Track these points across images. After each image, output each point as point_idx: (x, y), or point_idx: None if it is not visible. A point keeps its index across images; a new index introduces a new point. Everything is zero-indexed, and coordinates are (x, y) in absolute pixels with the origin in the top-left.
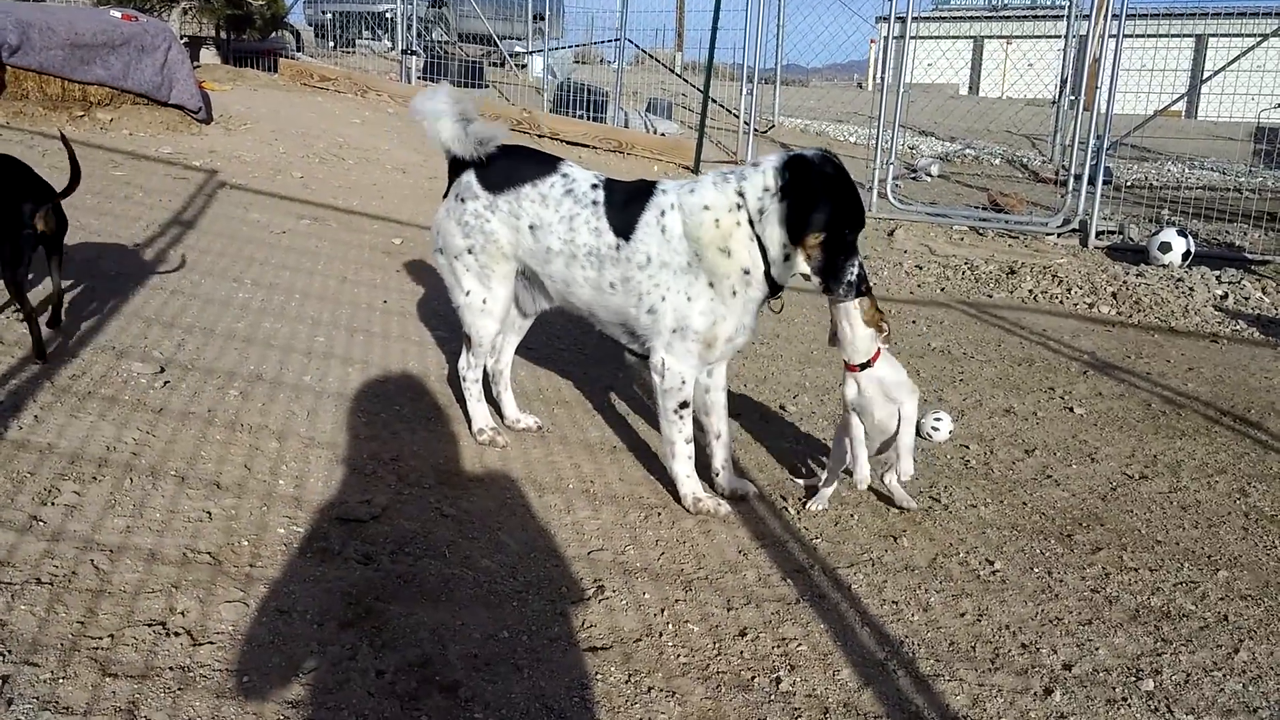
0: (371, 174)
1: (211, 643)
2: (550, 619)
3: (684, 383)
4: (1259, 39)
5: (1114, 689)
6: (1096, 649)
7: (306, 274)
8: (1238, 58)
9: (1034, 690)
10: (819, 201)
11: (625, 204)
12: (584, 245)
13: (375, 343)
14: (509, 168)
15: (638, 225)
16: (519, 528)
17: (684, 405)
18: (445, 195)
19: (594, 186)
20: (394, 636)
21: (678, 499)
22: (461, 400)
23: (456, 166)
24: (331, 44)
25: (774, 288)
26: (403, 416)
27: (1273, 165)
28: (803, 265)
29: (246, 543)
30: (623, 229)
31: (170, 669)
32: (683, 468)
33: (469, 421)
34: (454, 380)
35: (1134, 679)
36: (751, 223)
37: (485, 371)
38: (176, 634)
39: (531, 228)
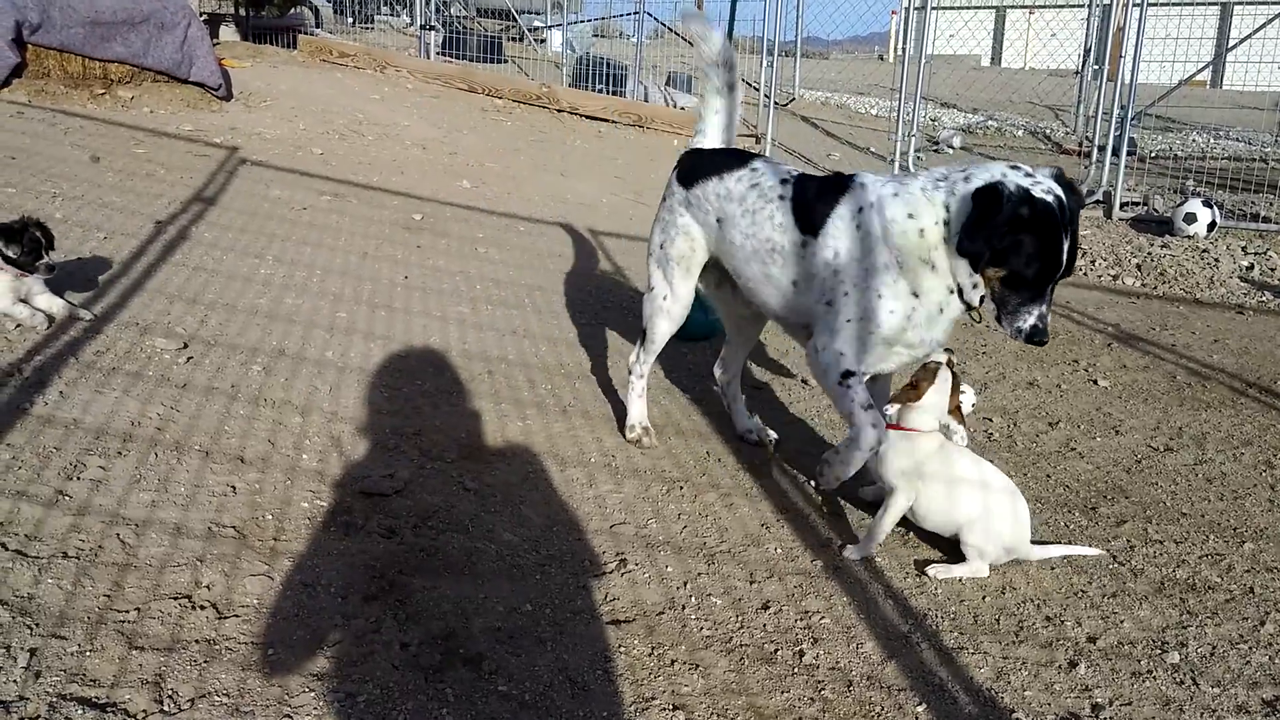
0: (391, 150)
1: (237, 616)
2: (573, 592)
3: (842, 354)
4: None
5: (1139, 661)
6: (1121, 621)
7: (328, 250)
8: (1263, 26)
9: (1059, 663)
10: (997, 237)
11: (816, 199)
12: (767, 241)
13: (397, 318)
14: (704, 162)
15: (828, 221)
16: (541, 501)
17: (848, 373)
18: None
19: (783, 181)
20: (418, 610)
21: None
22: (625, 389)
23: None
24: (350, 20)
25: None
26: (425, 391)
27: None
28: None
29: (271, 517)
30: (810, 225)
31: (196, 642)
32: (867, 436)
33: (623, 417)
34: (474, 355)
35: (1159, 651)
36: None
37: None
38: (202, 607)
39: (719, 221)
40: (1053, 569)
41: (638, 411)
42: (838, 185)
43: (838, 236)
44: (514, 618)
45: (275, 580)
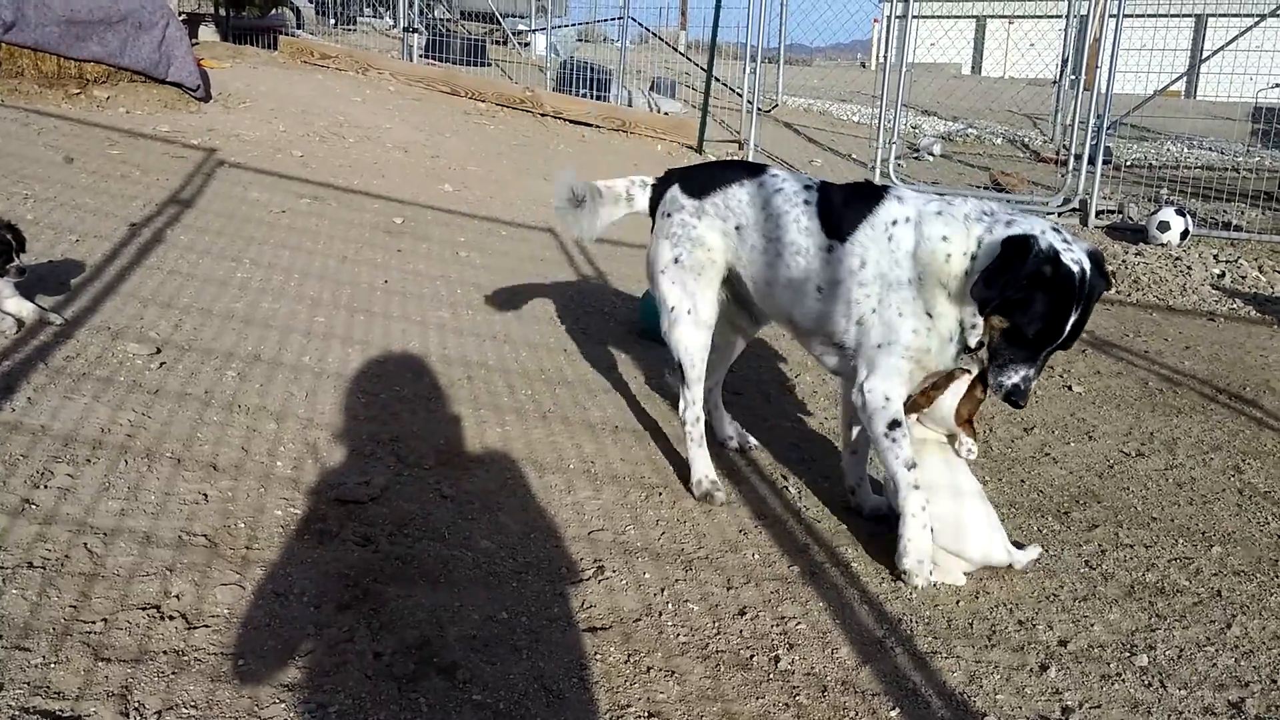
0: (372, 153)
1: (206, 626)
2: (550, 599)
3: (888, 399)
4: (1257, 19)
5: (1109, 664)
6: (1092, 625)
7: (306, 253)
8: (1236, 37)
9: (1030, 666)
10: (1013, 288)
11: (844, 204)
12: (790, 244)
13: (376, 323)
14: (714, 173)
15: (859, 228)
16: (519, 508)
17: (895, 424)
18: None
19: (807, 188)
20: (392, 618)
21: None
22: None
23: (657, 193)
24: (332, 21)
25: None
26: (403, 397)
27: (1270, 145)
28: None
29: (243, 525)
30: (838, 229)
31: (164, 653)
32: (912, 503)
33: (689, 469)
34: (454, 360)
35: (1128, 654)
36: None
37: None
38: (171, 617)
39: (737, 228)
40: (1025, 573)
41: (703, 464)
42: (870, 193)
43: (866, 245)
44: (489, 626)
45: (247, 589)
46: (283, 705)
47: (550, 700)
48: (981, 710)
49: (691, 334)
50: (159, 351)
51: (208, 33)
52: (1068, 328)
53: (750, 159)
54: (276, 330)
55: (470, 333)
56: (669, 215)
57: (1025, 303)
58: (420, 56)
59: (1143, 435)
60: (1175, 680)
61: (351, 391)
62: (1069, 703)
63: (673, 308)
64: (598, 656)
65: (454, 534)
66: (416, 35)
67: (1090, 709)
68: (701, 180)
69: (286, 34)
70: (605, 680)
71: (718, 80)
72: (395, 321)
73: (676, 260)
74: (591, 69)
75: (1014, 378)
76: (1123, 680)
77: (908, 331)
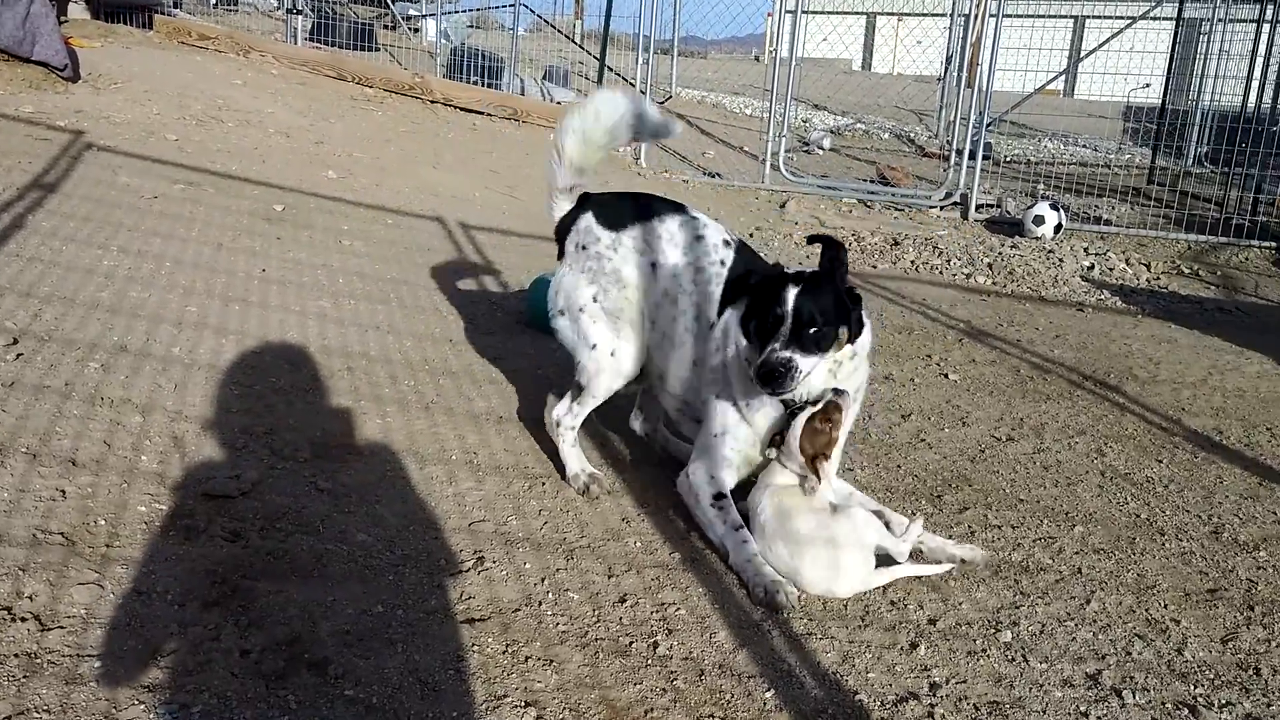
0: (253, 137)
1: (62, 627)
2: (427, 592)
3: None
4: (1130, 20)
5: (975, 641)
6: (960, 604)
7: (179, 241)
8: (1110, 38)
9: (900, 645)
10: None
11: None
12: (685, 310)
13: (252, 312)
14: (634, 205)
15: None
16: (398, 500)
17: (719, 496)
18: (560, 258)
19: (726, 244)
20: (261, 615)
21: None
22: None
23: (564, 227)
24: (212, 1)
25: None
26: (278, 388)
27: (1140, 142)
28: None
29: (104, 522)
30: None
31: (15, 656)
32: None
33: (562, 469)
34: (334, 351)
35: (993, 631)
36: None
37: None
38: (23, 619)
39: (654, 265)
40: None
41: (576, 460)
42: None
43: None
44: (364, 620)
45: (106, 589)
46: (143, 706)
47: (425, 693)
48: (853, 689)
49: (608, 377)
50: (15, 342)
51: (78, 10)
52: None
53: (642, 150)
54: (145, 320)
55: (352, 323)
56: (584, 247)
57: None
58: (305, 40)
59: (1013, 421)
60: (1037, 654)
61: (224, 383)
62: (936, 679)
63: (595, 345)
64: (475, 648)
65: (329, 527)
66: (301, 18)
67: (956, 684)
68: (620, 212)
69: (163, 13)
70: (482, 671)
71: (611, 70)
72: (273, 311)
73: (595, 298)
74: (483, 56)
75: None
76: (988, 656)
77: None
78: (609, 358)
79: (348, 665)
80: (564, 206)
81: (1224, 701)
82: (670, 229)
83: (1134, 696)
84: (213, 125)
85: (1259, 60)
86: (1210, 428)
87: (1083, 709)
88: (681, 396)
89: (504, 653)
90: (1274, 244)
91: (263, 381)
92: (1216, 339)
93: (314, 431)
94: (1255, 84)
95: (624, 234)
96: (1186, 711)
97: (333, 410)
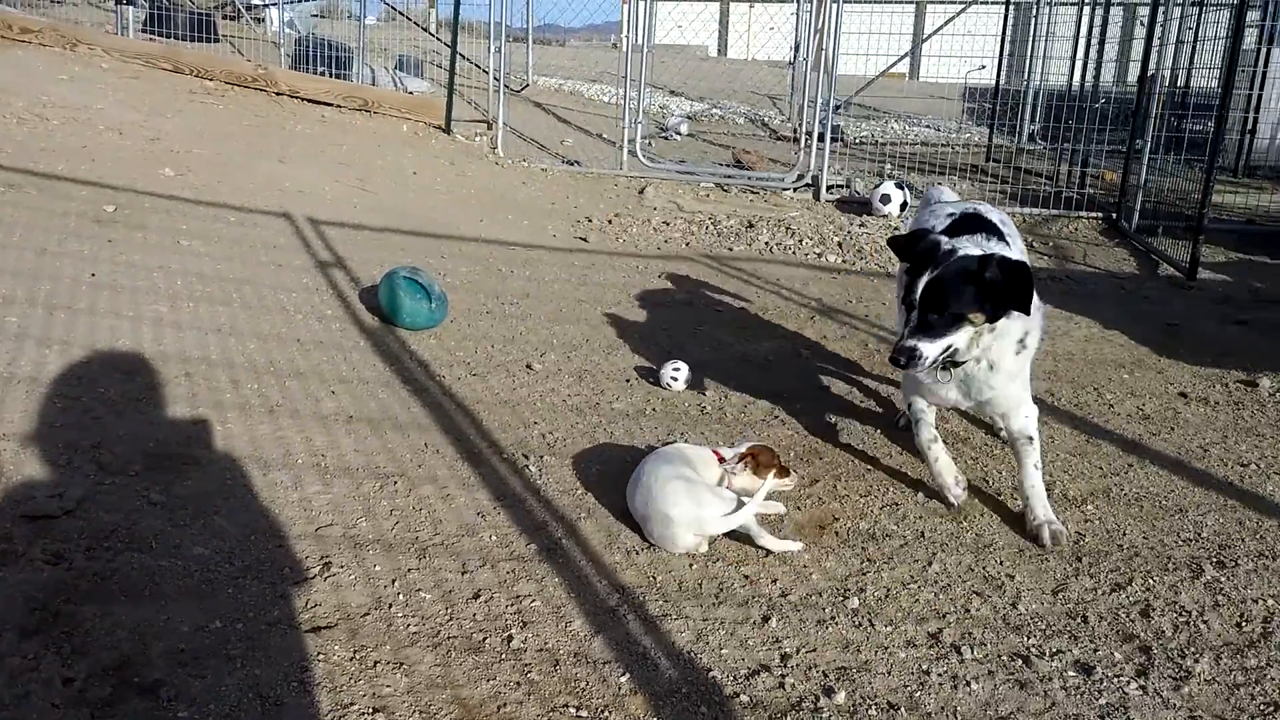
0: (81, 135)
1: None
2: (269, 603)
3: None
4: (965, 4)
5: (824, 610)
6: (811, 575)
7: None
8: (947, 22)
9: (753, 619)
10: None
11: None
12: None
13: (79, 320)
14: None
15: None
16: (239, 510)
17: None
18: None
19: None
20: (86, 640)
21: None
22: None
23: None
24: None
25: None
26: (108, 400)
27: (978, 122)
28: None
29: None
30: None
31: None
32: None
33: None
34: (171, 357)
35: (842, 598)
36: None
37: None
38: None
39: None
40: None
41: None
42: None
43: None
44: (200, 637)
45: None
46: None
47: (267, 708)
48: (707, 666)
49: None
50: None
51: None
52: None
53: (499, 139)
54: None
55: (190, 326)
56: None
57: None
58: (139, 32)
59: (864, 393)
60: (882, 618)
61: (47, 397)
62: (787, 649)
63: None
64: (320, 657)
65: (162, 543)
66: (133, 8)
67: (806, 653)
68: None
69: None
70: (328, 680)
71: (464, 58)
72: (102, 318)
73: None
74: (331, 46)
75: None
76: (836, 623)
77: None
78: None
79: (181, 686)
80: None
81: (1055, 650)
82: None
83: (972, 651)
84: (36, 124)
85: (1081, 42)
86: (1043, 390)
87: (924, 667)
88: None
89: (351, 659)
90: (1100, 215)
91: (90, 393)
92: (1048, 305)
93: (147, 443)
94: (1079, 64)
95: None
96: (1021, 662)
97: (168, 420)
